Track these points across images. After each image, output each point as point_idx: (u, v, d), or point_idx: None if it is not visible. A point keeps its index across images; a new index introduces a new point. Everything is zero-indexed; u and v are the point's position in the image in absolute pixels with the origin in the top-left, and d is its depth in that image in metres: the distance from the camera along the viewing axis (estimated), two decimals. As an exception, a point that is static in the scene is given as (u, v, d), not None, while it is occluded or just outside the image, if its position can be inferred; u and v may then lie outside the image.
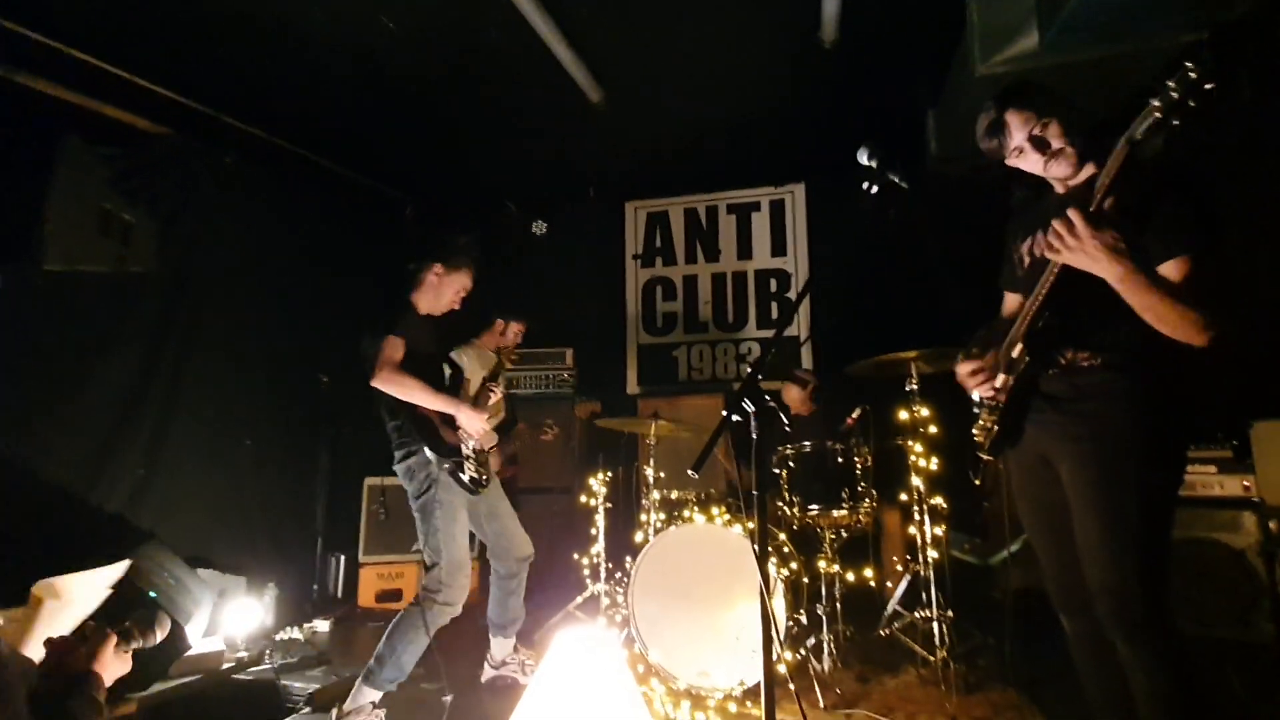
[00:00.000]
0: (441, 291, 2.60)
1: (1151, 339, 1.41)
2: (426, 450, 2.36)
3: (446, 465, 2.37)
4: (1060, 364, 1.56)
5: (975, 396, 1.75)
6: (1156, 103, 1.28)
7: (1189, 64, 1.24)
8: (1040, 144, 1.56)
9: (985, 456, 1.75)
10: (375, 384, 2.32)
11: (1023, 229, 1.75)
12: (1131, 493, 1.45)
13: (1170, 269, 1.40)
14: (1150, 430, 1.46)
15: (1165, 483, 1.49)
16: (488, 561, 2.78)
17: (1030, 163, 1.61)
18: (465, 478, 2.40)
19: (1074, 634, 1.66)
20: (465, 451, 2.44)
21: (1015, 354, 1.60)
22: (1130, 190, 1.40)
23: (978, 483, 1.80)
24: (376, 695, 2.30)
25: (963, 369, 1.70)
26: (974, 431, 1.77)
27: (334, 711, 2.29)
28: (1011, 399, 1.62)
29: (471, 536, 2.59)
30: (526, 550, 2.74)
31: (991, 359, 1.69)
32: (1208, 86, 1.23)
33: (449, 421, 2.45)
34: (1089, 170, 1.59)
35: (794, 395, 3.73)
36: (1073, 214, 1.37)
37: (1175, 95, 1.25)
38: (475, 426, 2.47)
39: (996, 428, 1.67)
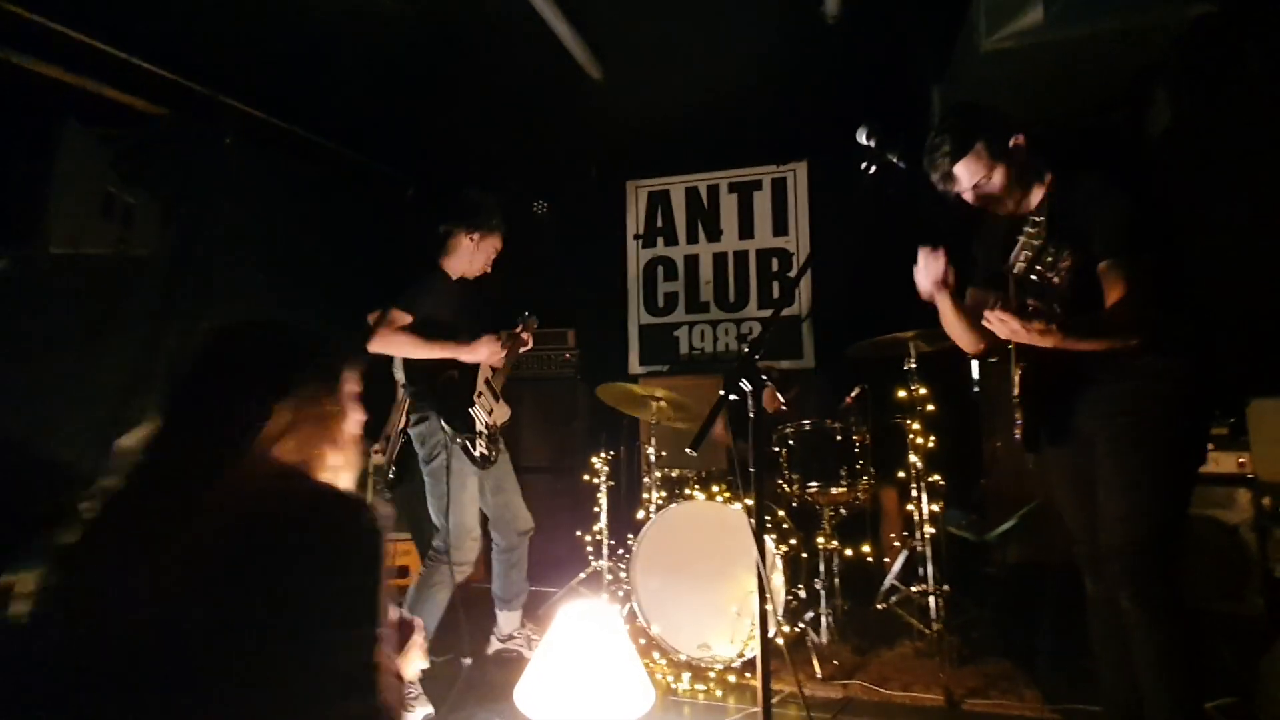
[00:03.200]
0: (475, 256, 2.64)
1: (1177, 323, 1.56)
2: (441, 421, 2.42)
3: (459, 440, 2.42)
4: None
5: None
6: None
7: None
8: (982, 198, 1.73)
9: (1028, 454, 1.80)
10: (370, 348, 2.38)
11: (983, 244, 1.90)
12: (1158, 462, 1.55)
13: (1105, 270, 1.56)
14: (1185, 406, 1.56)
15: (1191, 457, 1.60)
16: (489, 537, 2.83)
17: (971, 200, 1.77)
18: (475, 453, 2.46)
19: (1093, 596, 1.76)
20: (478, 427, 2.50)
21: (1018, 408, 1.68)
22: (1071, 202, 1.58)
23: (994, 445, 1.89)
24: None
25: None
26: (1016, 433, 1.81)
27: None
28: (1045, 395, 1.69)
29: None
30: (526, 525, 2.79)
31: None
32: None
33: (467, 398, 2.49)
34: (1036, 193, 1.73)
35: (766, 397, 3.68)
36: (1005, 318, 1.50)
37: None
38: (480, 355, 2.50)
39: (1023, 430, 1.73)
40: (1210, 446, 2.95)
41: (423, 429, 2.48)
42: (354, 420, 1.13)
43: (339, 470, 1.08)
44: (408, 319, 2.41)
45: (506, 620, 2.82)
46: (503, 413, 2.67)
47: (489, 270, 2.73)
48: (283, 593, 0.86)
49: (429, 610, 2.41)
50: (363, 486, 3.64)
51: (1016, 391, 1.68)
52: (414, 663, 1.18)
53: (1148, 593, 1.52)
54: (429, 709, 2.32)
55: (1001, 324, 1.52)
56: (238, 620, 0.84)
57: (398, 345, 2.42)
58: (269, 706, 0.84)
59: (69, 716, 0.82)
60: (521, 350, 2.85)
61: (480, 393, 2.58)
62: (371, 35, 3.20)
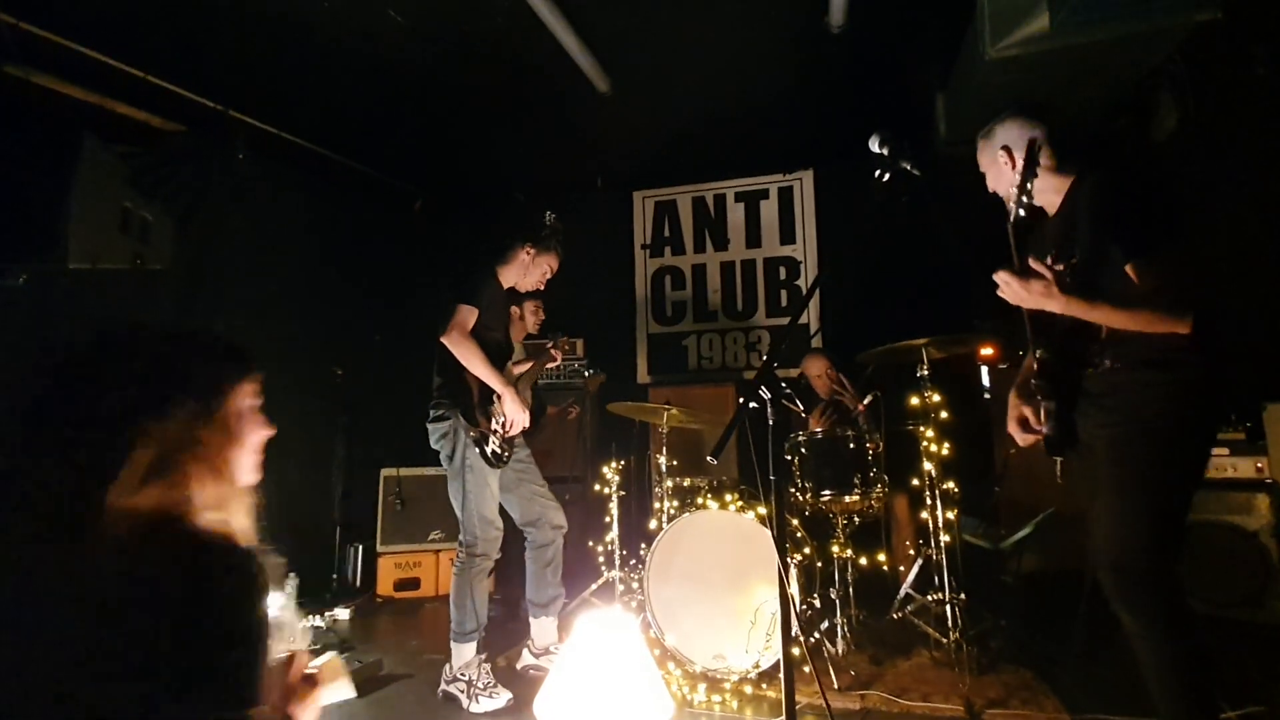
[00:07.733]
0: (530, 271, 2.76)
1: (1176, 337, 1.50)
2: (460, 418, 2.48)
3: (473, 434, 2.47)
4: (1096, 366, 1.64)
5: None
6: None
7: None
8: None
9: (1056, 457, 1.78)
10: (443, 341, 2.45)
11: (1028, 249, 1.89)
12: (1142, 473, 1.52)
13: (1130, 271, 1.55)
14: (1175, 419, 1.53)
15: (1181, 468, 1.55)
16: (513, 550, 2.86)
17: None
18: (488, 450, 2.51)
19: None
20: (494, 426, 2.54)
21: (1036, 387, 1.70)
22: (1079, 206, 1.60)
23: (1008, 452, 1.89)
24: (471, 648, 2.44)
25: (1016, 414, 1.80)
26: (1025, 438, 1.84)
27: (445, 670, 2.47)
28: (1058, 405, 1.68)
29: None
30: (560, 519, 2.80)
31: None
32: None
33: (487, 396, 2.54)
34: (1057, 195, 1.74)
35: (816, 368, 3.69)
36: (1000, 277, 1.56)
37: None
38: (514, 413, 2.55)
39: (1049, 430, 1.71)
40: (1226, 452, 2.96)
41: (443, 425, 2.52)
42: (251, 442, 0.96)
43: (225, 506, 0.91)
44: (475, 314, 2.47)
45: (541, 630, 2.75)
46: (519, 424, 2.63)
47: (541, 288, 2.85)
48: (150, 666, 0.76)
49: (469, 603, 2.45)
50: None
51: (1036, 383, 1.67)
52: (318, 706, 1.02)
53: (1137, 605, 1.51)
54: (508, 694, 2.40)
55: (1005, 286, 1.54)
56: (102, 682, 0.75)
57: (466, 351, 2.43)
58: None
59: None
60: (549, 366, 3.02)
61: (500, 396, 2.58)
62: (381, 50, 3.24)
